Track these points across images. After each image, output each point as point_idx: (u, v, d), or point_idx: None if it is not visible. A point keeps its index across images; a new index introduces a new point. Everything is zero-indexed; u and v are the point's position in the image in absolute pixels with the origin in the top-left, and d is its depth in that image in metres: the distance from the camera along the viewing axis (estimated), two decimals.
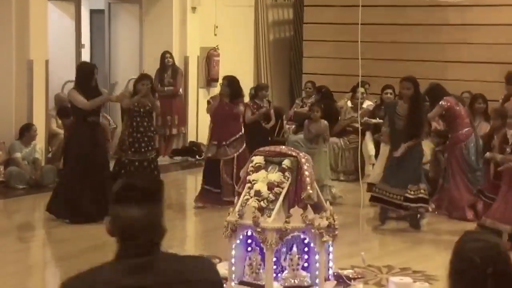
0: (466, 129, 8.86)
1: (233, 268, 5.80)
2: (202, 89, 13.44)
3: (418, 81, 8.38)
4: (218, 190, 9.13)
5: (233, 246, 5.79)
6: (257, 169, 5.90)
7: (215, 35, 13.31)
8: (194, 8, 12.82)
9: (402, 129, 8.22)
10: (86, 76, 8.49)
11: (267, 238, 5.59)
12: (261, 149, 6.12)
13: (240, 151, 9.16)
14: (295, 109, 12.38)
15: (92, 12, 15.38)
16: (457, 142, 8.86)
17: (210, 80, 13.39)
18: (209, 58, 13.24)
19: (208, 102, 10.06)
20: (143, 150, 9.08)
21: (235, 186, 7.90)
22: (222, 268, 6.03)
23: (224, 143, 9.18)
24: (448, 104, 8.81)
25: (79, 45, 12.48)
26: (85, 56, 14.13)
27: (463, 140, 8.82)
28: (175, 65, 12.49)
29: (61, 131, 10.75)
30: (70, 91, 8.65)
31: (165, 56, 12.39)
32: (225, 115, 9.25)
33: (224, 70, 13.50)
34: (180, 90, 12.69)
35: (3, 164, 10.21)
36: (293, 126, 11.83)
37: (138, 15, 12.79)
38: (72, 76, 12.06)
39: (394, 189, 8.17)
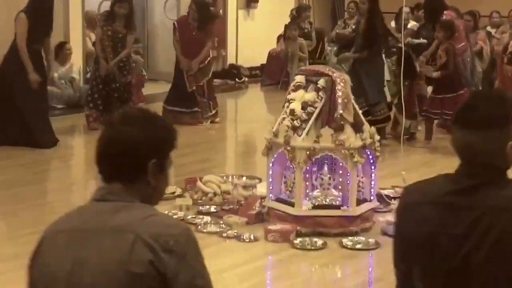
0: (462, 43, 8.98)
1: (270, 186, 5.91)
2: (242, 10, 13.35)
3: None
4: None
5: (270, 163, 5.88)
6: (296, 88, 5.95)
7: None
8: None
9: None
10: None
11: (295, 157, 5.65)
12: (303, 68, 6.11)
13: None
14: (337, 30, 12.25)
15: None
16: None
17: (249, 1, 13.27)
18: None
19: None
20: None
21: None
22: (263, 188, 6.16)
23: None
24: (449, 17, 8.90)
25: None
26: None
27: (459, 54, 8.90)
28: None
29: None
30: (19, 16, 8.06)
31: None
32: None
33: None
34: (220, 11, 12.61)
35: None
36: (335, 48, 11.74)
37: None
38: None
39: None
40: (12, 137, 8.10)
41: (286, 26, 12.55)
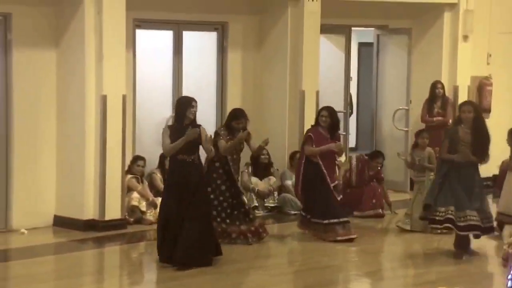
0: None
1: None
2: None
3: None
4: None
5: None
6: None
7: (488, 64, 13.15)
8: (465, 37, 12.78)
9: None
10: (181, 112, 7.98)
11: None
12: None
13: None
14: None
15: (360, 45, 15.93)
16: None
17: (482, 111, 13.18)
18: (481, 87, 13.09)
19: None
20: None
21: None
22: None
23: None
24: None
25: (347, 77, 12.98)
26: (353, 89, 14.68)
27: None
28: (445, 95, 12.51)
29: None
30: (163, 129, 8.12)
31: (436, 86, 12.45)
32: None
33: (496, 100, 13.32)
34: (450, 120, 12.65)
35: (277, 190, 10.93)
36: None
37: (407, 45, 13.01)
38: (341, 107, 12.70)
39: None
40: None
41: None
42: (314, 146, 9.22)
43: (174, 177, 7.99)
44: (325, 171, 9.16)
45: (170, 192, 7.97)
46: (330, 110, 9.39)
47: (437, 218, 8.47)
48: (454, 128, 8.76)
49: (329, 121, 9.28)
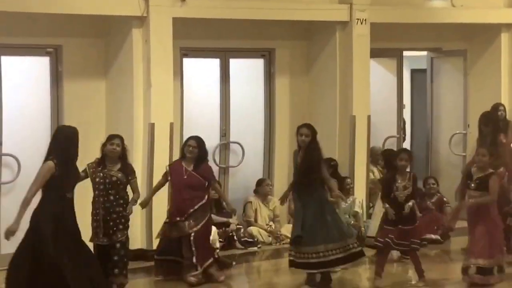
0: None
1: None
2: None
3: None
4: None
5: None
6: None
7: None
8: None
9: None
10: (61, 143, 7.58)
11: None
12: None
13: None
14: None
15: (413, 72, 16.08)
16: None
17: None
18: None
19: None
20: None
21: None
22: None
23: None
24: None
25: (400, 103, 13.12)
26: (406, 115, 14.79)
27: None
28: (506, 118, 12.44)
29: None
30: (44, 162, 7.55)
31: (498, 109, 12.36)
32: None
33: None
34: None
35: None
36: None
37: (462, 67, 13.09)
38: (393, 132, 12.86)
39: None
40: None
41: None
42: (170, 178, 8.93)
43: None
44: None
45: None
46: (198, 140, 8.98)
47: None
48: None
49: (196, 152, 8.90)
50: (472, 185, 8.56)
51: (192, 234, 8.75)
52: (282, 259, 10.07)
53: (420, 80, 14.66)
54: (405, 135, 14.50)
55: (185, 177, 8.84)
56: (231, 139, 11.39)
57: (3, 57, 9.75)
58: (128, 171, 8.48)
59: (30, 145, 9.77)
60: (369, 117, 11.50)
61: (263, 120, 11.67)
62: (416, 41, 12.89)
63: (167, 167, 9.04)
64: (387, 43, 12.36)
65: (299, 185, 8.60)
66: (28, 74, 10.09)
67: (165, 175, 9.02)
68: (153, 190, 9.26)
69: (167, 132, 9.94)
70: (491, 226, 8.57)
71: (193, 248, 8.74)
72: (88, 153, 9.98)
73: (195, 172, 8.88)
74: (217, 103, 11.32)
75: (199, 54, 11.14)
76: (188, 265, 8.82)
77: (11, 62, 9.84)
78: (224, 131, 11.33)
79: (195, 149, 8.88)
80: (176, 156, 9.55)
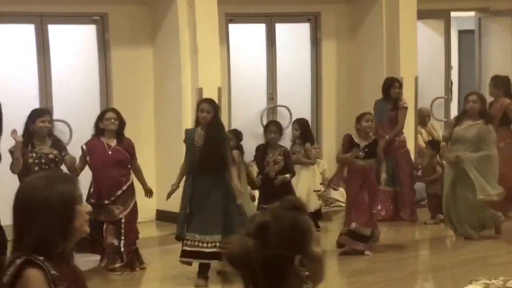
0: None
1: None
2: None
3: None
4: None
5: None
6: None
7: None
8: None
9: None
10: None
11: None
12: None
13: None
14: None
15: (460, 33, 16.05)
16: None
17: None
18: None
19: None
20: None
21: None
22: None
23: None
24: None
25: (448, 65, 13.17)
26: (454, 77, 14.81)
27: None
28: None
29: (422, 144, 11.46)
30: None
31: None
32: None
33: None
34: None
35: None
36: None
37: (510, 27, 13.06)
38: (441, 94, 12.91)
39: None
40: None
41: None
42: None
43: None
44: None
45: None
46: None
47: None
48: None
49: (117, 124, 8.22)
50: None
51: (123, 220, 8.16)
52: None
53: (468, 41, 14.66)
54: (452, 96, 14.55)
55: (110, 153, 8.15)
56: (278, 103, 11.58)
57: (50, 26, 10.03)
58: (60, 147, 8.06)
59: (80, 112, 10.07)
60: (416, 78, 11.58)
61: (309, 85, 11.81)
62: (463, 1, 12.89)
63: (83, 146, 8.22)
64: (434, 4, 12.40)
65: (200, 168, 7.66)
66: (76, 43, 10.37)
67: (82, 156, 8.19)
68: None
69: (215, 97, 10.08)
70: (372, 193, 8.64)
71: (122, 236, 8.12)
72: (137, 121, 10.32)
73: (120, 147, 8.21)
74: (264, 67, 11.50)
75: (244, 20, 11.31)
76: (111, 253, 8.16)
77: (58, 31, 10.12)
78: (271, 95, 11.52)
79: (116, 121, 8.16)
80: (225, 120, 9.71)
